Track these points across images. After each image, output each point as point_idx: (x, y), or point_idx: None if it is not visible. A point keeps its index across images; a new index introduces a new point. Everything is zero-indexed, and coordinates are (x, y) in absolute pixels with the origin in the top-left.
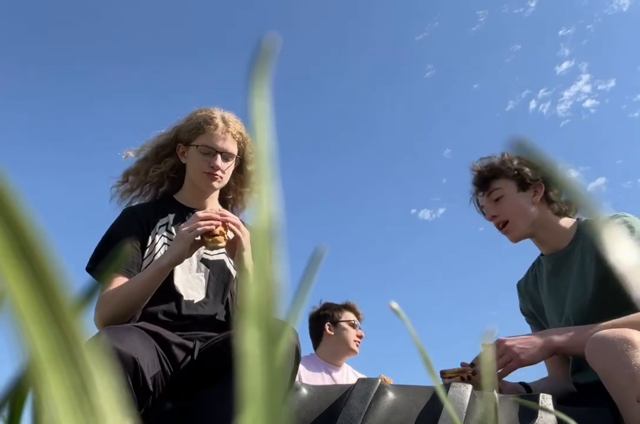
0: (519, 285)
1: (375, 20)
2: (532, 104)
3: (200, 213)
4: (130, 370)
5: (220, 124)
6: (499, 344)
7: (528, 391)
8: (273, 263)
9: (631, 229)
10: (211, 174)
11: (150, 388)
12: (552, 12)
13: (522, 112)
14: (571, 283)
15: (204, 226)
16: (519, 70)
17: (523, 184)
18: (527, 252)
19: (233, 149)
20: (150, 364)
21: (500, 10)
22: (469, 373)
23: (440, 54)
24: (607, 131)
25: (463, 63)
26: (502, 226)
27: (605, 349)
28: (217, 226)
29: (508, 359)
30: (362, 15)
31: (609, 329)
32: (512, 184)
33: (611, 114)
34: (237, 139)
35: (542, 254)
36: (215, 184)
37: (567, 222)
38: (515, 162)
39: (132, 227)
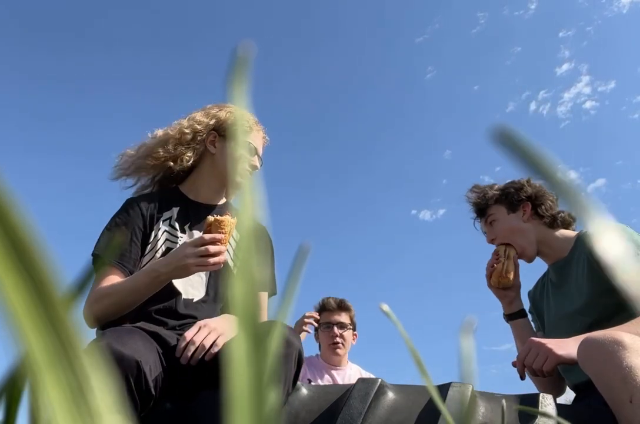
0: (529, 293)
1: (376, 22)
2: (532, 106)
3: (208, 241)
4: (133, 373)
5: (255, 126)
6: (530, 343)
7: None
8: (258, 264)
9: (630, 236)
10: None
11: (153, 391)
12: (552, 14)
13: (522, 113)
14: (570, 290)
15: (213, 263)
16: (519, 72)
17: (512, 205)
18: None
19: (260, 151)
20: (152, 366)
21: (500, 12)
22: (498, 263)
23: (441, 56)
24: (607, 132)
25: (463, 65)
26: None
27: (596, 351)
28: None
29: (544, 357)
30: (362, 17)
31: (599, 332)
32: (502, 208)
33: (611, 115)
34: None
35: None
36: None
37: (565, 233)
38: (503, 187)
39: (134, 220)
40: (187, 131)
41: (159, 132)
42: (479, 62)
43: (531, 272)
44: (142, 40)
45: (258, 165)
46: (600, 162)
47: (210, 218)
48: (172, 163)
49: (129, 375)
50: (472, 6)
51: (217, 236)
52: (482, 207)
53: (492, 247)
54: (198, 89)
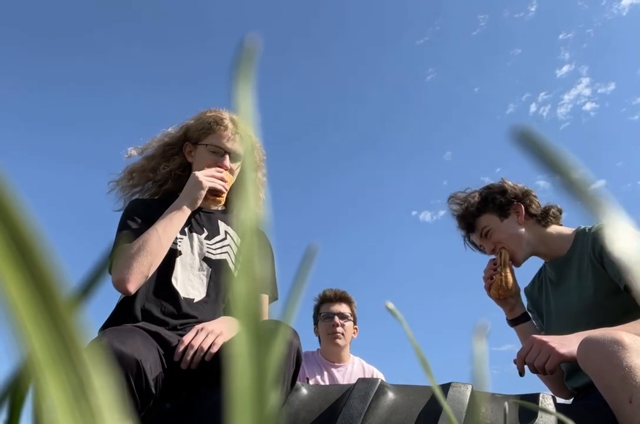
0: (525, 290)
1: (377, 24)
2: (533, 107)
3: (216, 173)
4: (133, 372)
5: (230, 125)
6: (532, 341)
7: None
8: (260, 263)
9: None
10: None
11: (153, 390)
12: (552, 16)
13: (522, 115)
14: (570, 289)
15: (220, 184)
16: (519, 73)
17: (502, 211)
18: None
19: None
20: (152, 366)
21: (500, 15)
22: (497, 275)
23: (441, 58)
24: (607, 134)
25: (464, 67)
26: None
27: (596, 351)
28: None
29: (546, 355)
30: (363, 18)
31: (599, 332)
32: (493, 216)
33: (611, 117)
34: None
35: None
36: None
37: (561, 230)
38: (485, 194)
39: (141, 213)
40: (157, 145)
41: (133, 151)
42: (480, 64)
43: (525, 268)
44: (145, 42)
45: (228, 166)
46: (600, 163)
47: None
48: (151, 174)
49: (129, 374)
50: (472, 9)
51: (220, 169)
52: (471, 221)
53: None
54: (201, 90)
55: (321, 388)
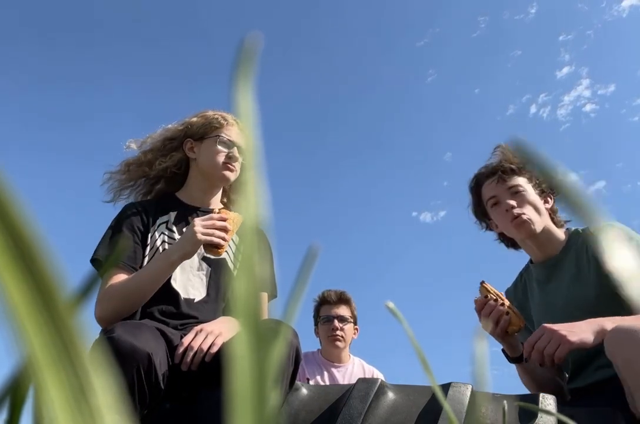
0: (507, 292)
1: (377, 25)
2: (533, 109)
3: (216, 219)
4: (145, 365)
5: (235, 122)
6: (543, 329)
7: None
8: (260, 262)
9: (629, 236)
10: (228, 164)
11: (162, 384)
12: (552, 18)
13: (522, 116)
14: (565, 288)
15: (218, 237)
16: (519, 75)
17: (540, 190)
18: (526, 256)
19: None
20: (162, 360)
21: (501, 16)
22: (507, 309)
23: (442, 60)
24: (607, 135)
25: (464, 68)
26: (517, 217)
27: (627, 339)
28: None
29: (557, 343)
30: (363, 20)
31: (629, 320)
32: (531, 186)
33: (611, 118)
34: None
35: (531, 262)
36: (231, 175)
37: (559, 232)
38: (533, 173)
39: (134, 222)
40: (158, 139)
41: (133, 144)
42: (480, 65)
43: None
44: (145, 41)
45: (238, 157)
46: (600, 164)
47: (216, 209)
48: (147, 169)
49: (141, 367)
50: (472, 10)
51: (224, 216)
52: (512, 171)
53: (490, 248)
54: (201, 89)
55: (321, 388)
